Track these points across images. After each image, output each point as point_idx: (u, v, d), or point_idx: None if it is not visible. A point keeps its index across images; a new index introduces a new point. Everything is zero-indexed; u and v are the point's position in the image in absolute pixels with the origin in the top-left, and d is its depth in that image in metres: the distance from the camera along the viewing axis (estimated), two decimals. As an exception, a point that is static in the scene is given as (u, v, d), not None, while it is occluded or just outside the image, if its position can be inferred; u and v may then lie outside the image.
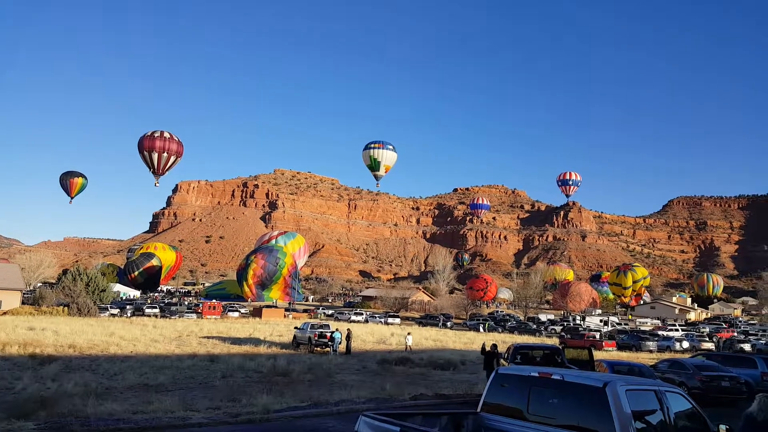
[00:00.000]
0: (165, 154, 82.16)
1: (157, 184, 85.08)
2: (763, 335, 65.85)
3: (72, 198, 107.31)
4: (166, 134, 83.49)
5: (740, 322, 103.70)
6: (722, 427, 7.80)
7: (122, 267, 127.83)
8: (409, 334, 43.47)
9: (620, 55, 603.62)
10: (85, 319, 58.18)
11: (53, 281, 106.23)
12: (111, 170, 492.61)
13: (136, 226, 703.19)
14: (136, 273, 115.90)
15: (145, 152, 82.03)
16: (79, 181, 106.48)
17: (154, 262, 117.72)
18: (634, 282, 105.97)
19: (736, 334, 67.99)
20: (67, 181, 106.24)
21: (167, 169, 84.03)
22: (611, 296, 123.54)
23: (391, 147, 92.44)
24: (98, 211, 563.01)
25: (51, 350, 31.07)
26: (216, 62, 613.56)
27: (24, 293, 73.79)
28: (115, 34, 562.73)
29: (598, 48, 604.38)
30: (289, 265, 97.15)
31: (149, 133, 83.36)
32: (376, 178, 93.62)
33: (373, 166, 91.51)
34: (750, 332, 71.12)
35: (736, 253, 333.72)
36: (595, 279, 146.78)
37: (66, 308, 65.40)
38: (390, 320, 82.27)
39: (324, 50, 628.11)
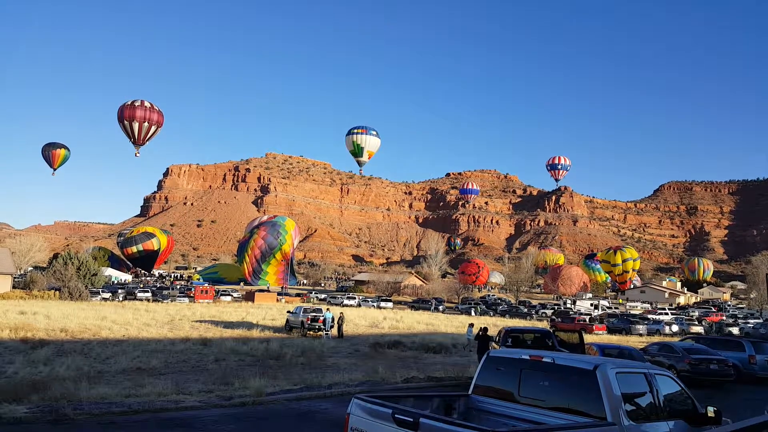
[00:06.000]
0: (146, 124, 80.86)
1: (137, 155, 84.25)
2: (752, 319, 66.57)
3: (54, 170, 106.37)
4: (147, 104, 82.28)
5: (729, 306, 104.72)
6: (710, 409, 7.88)
7: (113, 251, 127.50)
8: (471, 324, 34.99)
9: (612, 41, 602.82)
10: (76, 303, 58.00)
11: (44, 265, 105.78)
12: (101, 154, 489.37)
13: (127, 210, 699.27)
14: (134, 249, 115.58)
15: (126, 122, 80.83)
16: (62, 152, 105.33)
17: (154, 243, 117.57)
18: (624, 261, 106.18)
19: (724, 318, 68.66)
20: (49, 152, 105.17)
21: (147, 139, 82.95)
22: (603, 276, 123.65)
23: (374, 132, 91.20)
24: (89, 195, 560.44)
25: (42, 334, 30.92)
26: (206, 44, 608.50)
27: (15, 277, 73.30)
28: (104, 8, 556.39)
29: (590, 33, 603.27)
30: (289, 243, 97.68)
31: (129, 103, 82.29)
32: (360, 164, 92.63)
33: (356, 151, 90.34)
34: (738, 316, 71.83)
35: (726, 238, 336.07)
36: (589, 257, 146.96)
37: (57, 292, 65.09)
38: (383, 304, 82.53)
39: (317, 33, 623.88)
